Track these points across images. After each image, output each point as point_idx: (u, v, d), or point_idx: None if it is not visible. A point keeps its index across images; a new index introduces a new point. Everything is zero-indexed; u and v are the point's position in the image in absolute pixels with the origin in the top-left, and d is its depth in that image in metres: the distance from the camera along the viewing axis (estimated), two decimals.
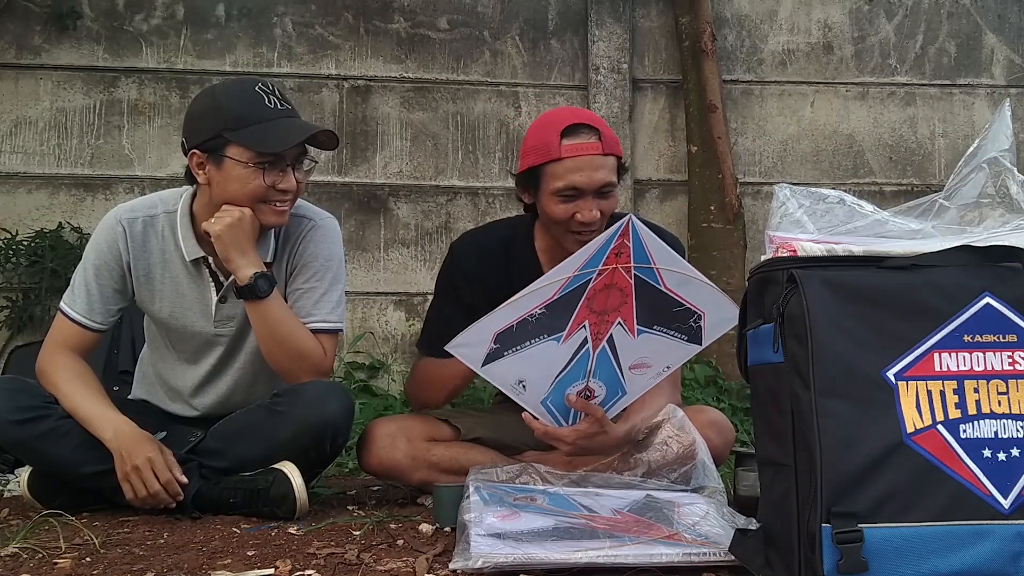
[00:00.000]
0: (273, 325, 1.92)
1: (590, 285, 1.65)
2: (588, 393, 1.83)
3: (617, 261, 1.63)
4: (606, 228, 1.96)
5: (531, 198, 2.01)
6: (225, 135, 1.86)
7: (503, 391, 1.85)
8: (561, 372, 1.79)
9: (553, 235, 2.03)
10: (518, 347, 1.73)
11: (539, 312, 1.67)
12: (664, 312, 1.72)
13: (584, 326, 1.71)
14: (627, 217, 1.60)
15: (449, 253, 2.17)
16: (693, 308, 1.72)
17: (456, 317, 1.95)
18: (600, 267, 1.63)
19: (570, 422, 1.87)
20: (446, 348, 1.73)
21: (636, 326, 1.73)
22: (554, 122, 1.95)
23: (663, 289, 1.68)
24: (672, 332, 1.76)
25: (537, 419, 1.85)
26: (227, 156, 1.87)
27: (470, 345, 1.74)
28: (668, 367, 1.85)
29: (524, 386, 1.82)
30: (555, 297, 1.66)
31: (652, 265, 1.65)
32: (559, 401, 1.84)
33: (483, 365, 1.75)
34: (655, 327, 1.74)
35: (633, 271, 1.64)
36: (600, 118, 2.03)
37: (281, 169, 1.89)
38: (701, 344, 1.79)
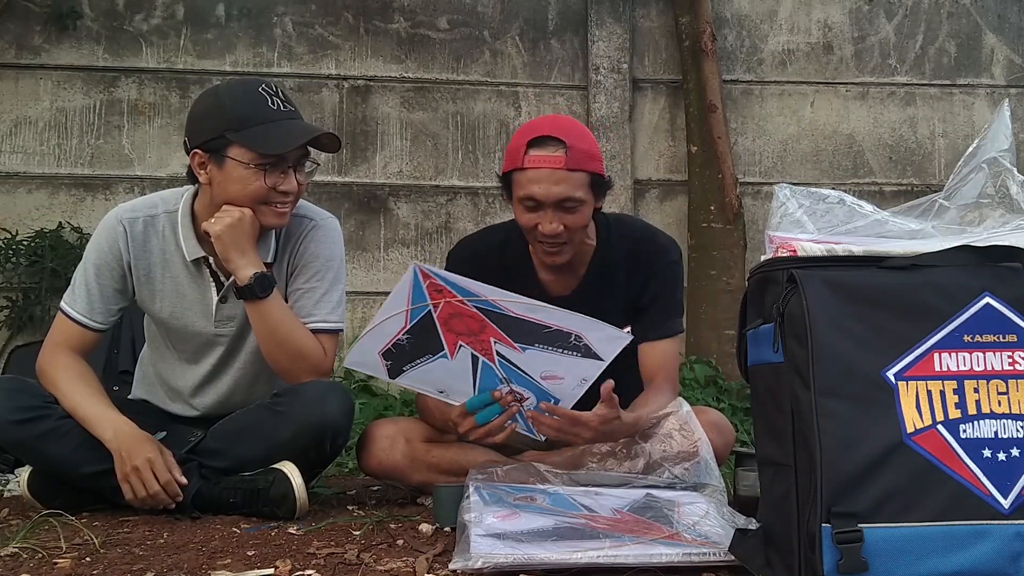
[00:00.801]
0: (273, 325, 1.92)
1: (434, 315, 1.64)
2: (519, 396, 1.80)
3: (442, 296, 1.61)
4: (576, 241, 1.98)
5: (508, 201, 2.02)
6: (227, 135, 1.86)
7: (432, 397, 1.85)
8: (475, 381, 1.78)
9: (528, 240, 2.05)
10: (411, 364, 1.75)
11: (404, 337, 1.67)
12: (535, 333, 1.66)
13: (460, 345, 1.69)
14: (410, 267, 1.59)
15: (447, 261, 2.19)
16: (563, 329, 1.65)
17: None
18: (429, 301, 1.61)
19: (521, 421, 1.84)
20: (344, 365, 1.76)
21: (516, 344, 1.69)
22: (529, 130, 1.95)
23: (514, 316, 1.63)
24: (558, 350, 1.69)
25: (549, 415, 1.80)
26: (229, 157, 1.87)
27: (364, 364, 1.77)
28: (584, 380, 1.77)
29: (446, 394, 1.83)
30: (408, 326, 1.66)
31: (484, 297, 1.62)
32: (489, 401, 1.81)
33: (391, 378, 1.77)
34: (536, 345, 1.68)
35: (469, 304, 1.62)
36: (584, 130, 2.00)
37: (283, 171, 1.89)
38: (603, 359, 1.71)
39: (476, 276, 2.08)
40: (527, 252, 2.11)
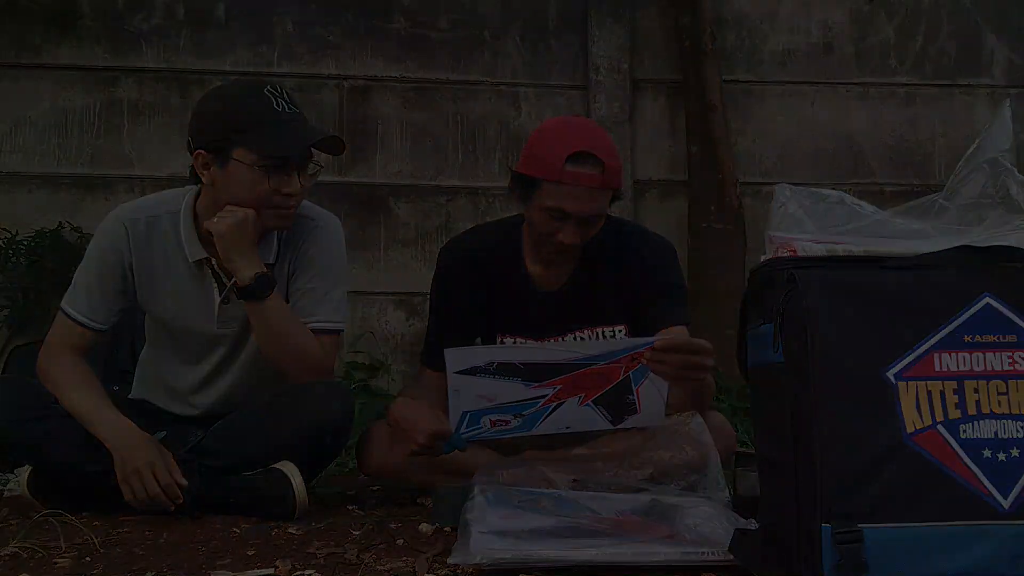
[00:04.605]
0: (273, 326, 1.92)
1: (590, 367, 1.71)
2: (503, 424, 1.85)
3: (626, 362, 1.70)
4: (583, 246, 2.00)
5: (520, 199, 1.99)
6: (231, 137, 1.85)
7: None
8: (513, 402, 1.81)
9: (532, 237, 2.04)
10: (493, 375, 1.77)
11: (528, 363, 1.72)
12: (615, 396, 1.80)
13: (555, 388, 1.75)
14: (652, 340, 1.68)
15: (438, 260, 2.19)
16: (637, 405, 1.82)
17: (451, 328, 2.05)
18: (611, 362, 1.70)
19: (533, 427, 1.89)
20: (445, 353, 1.75)
21: (590, 401, 1.81)
22: (565, 139, 1.90)
23: (632, 386, 1.77)
24: (603, 410, 1.84)
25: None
26: (232, 158, 1.86)
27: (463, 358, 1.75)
28: (568, 427, 1.91)
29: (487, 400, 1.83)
30: (557, 362, 1.71)
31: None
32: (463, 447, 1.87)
33: (457, 373, 1.75)
34: (599, 405, 1.83)
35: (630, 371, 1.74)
36: (612, 144, 1.97)
37: (286, 173, 1.89)
38: (614, 427, 1.89)
39: (467, 275, 2.10)
40: (520, 253, 2.10)
